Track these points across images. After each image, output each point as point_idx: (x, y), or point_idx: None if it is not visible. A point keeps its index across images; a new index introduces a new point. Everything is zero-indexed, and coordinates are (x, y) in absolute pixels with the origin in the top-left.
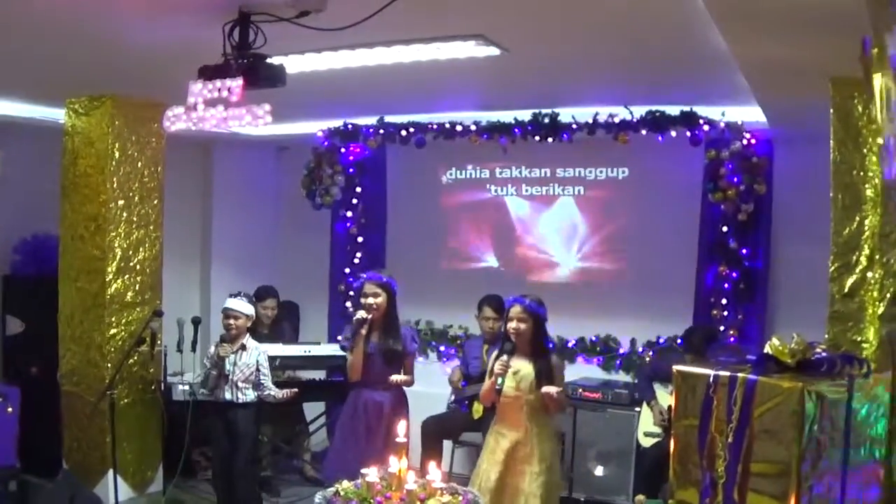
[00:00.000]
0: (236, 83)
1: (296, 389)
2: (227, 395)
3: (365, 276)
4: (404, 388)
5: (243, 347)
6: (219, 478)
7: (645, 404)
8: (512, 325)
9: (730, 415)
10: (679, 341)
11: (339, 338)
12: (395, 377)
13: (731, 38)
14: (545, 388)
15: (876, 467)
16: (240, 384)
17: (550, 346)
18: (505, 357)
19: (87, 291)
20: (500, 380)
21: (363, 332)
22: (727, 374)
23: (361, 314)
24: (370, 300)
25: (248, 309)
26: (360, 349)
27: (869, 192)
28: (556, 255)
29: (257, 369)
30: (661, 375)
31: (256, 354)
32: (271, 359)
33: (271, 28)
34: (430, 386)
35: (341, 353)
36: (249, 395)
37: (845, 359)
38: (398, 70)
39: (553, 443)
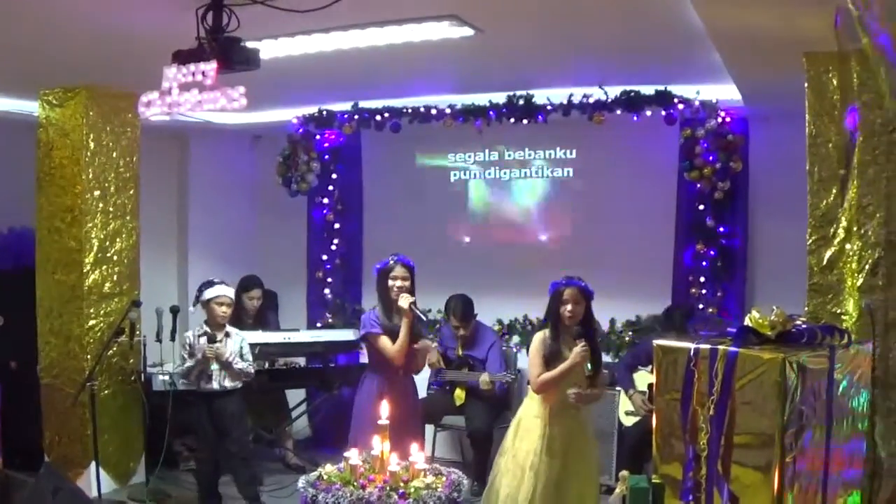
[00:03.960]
0: (210, 66)
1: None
2: (214, 385)
3: (396, 257)
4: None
5: (227, 335)
6: (206, 465)
7: (623, 393)
8: (568, 307)
9: (711, 387)
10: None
11: (370, 326)
12: (405, 298)
13: (704, 12)
14: (570, 392)
15: (859, 442)
16: (224, 372)
17: None
18: (584, 342)
19: (64, 283)
20: (588, 365)
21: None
22: (708, 346)
23: (409, 298)
24: (399, 283)
25: (233, 294)
26: (406, 335)
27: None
28: (532, 237)
29: (240, 355)
30: (642, 360)
31: (239, 340)
32: (251, 346)
33: (245, 12)
34: None
35: (320, 339)
36: (235, 381)
37: (826, 330)
38: (372, 53)
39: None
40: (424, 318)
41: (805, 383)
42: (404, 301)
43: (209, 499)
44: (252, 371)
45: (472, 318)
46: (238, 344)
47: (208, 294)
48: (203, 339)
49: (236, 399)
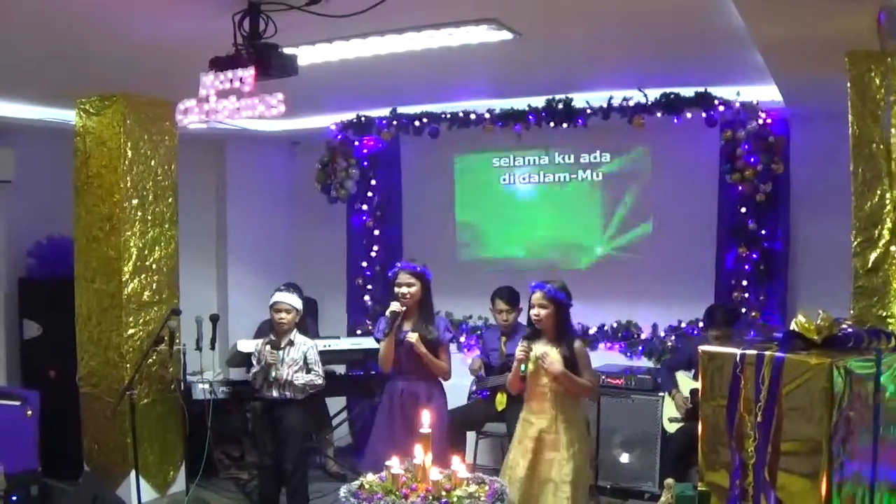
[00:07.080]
0: (248, 73)
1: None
2: (274, 394)
3: (399, 265)
4: (441, 379)
5: (291, 343)
6: (265, 477)
7: (667, 394)
8: (533, 311)
9: (758, 394)
10: (701, 323)
11: (376, 331)
12: (412, 335)
13: (747, 13)
14: (545, 361)
15: None
16: (285, 382)
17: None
18: (525, 343)
19: (103, 292)
20: (522, 366)
21: (397, 323)
22: (754, 352)
23: (395, 306)
24: (404, 289)
25: (298, 302)
26: (391, 340)
27: (890, 166)
28: (573, 242)
29: (305, 363)
30: (684, 363)
31: (305, 349)
32: None
33: (281, 18)
34: (452, 377)
35: (360, 347)
36: (295, 392)
37: (872, 333)
38: (410, 58)
39: (581, 428)
40: (380, 334)
41: (852, 388)
42: (390, 307)
43: None
44: (319, 382)
45: (518, 304)
46: (301, 352)
47: (271, 301)
48: (268, 347)
49: (295, 410)
